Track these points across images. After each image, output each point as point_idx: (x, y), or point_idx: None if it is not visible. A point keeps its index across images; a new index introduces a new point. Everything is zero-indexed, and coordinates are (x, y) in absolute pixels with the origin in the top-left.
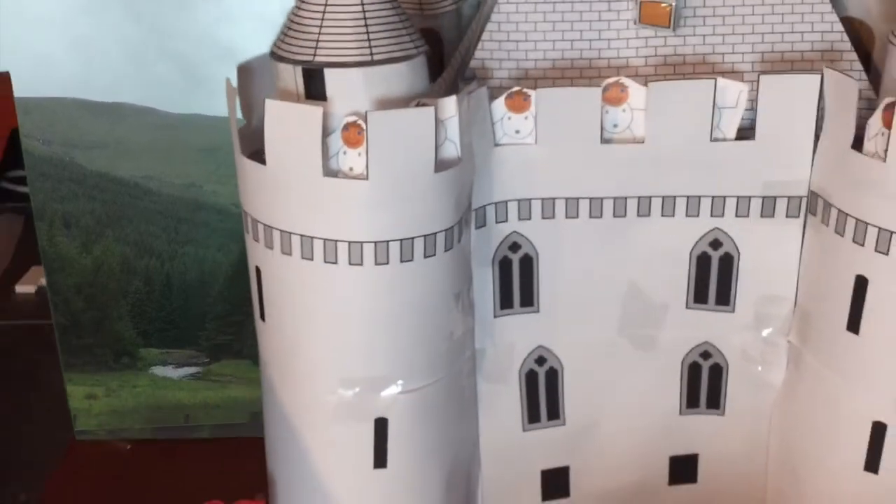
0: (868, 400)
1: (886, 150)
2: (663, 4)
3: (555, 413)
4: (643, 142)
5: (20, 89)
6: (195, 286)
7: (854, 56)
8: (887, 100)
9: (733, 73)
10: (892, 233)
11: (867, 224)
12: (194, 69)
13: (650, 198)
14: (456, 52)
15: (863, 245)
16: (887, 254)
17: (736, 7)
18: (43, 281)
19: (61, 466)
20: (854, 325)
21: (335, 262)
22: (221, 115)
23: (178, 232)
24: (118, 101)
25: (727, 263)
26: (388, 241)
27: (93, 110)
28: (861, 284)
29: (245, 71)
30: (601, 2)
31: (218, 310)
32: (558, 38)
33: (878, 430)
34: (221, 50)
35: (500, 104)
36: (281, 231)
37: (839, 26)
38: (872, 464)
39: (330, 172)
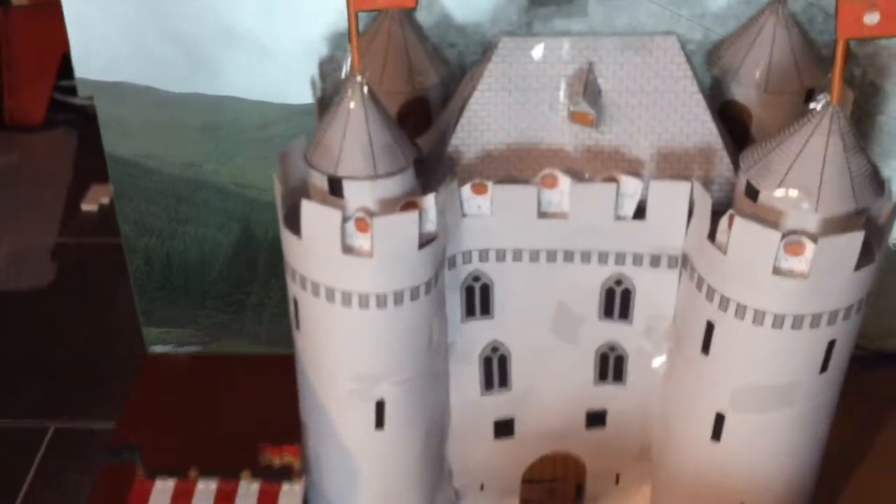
0: (711, 397)
1: (727, 246)
2: (587, 112)
3: (504, 383)
4: (567, 217)
5: None
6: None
7: (724, 152)
8: (730, 211)
9: (636, 162)
10: (728, 299)
11: (714, 290)
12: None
13: (573, 251)
14: (441, 115)
15: (711, 302)
16: (726, 311)
17: (639, 113)
18: (105, 199)
19: (136, 376)
20: (706, 348)
21: (350, 306)
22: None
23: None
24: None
25: (626, 294)
26: (385, 293)
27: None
28: (710, 325)
29: (285, 153)
30: (544, 104)
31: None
32: (512, 129)
33: (720, 417)
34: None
35: (467, 189)
36: (312, 281)
37: (715, 129)
38: (716, 436)
39: (346, 249)
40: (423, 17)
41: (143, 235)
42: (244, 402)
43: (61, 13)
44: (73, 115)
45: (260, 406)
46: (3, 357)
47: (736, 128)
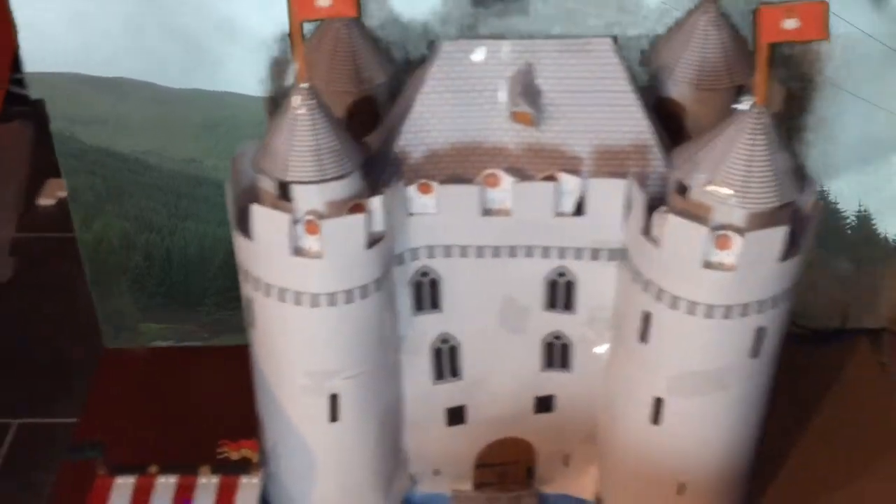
0: (649, 384)
1: (660, 241)
2: (527, 112)
3: (455, 373)
4: (510, 214)
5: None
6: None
7: (657, 149)
8: (662, 207)
9: (575, 159)
10: (663, 290)
11: (650, 282)
12: (194, 44)
13: (516, 246)
14: (388, 114)
15: (647, 293)
16: (661, 302)
17: (577, 113)
18: (62, 193)
19: (96, 371)
20: (643, 337)
21: (301, 305)
22: (221, 91)
23: (179, 207)
24: (118, 75)
25: (569, 286)
26: (335, 292)
27: (93, 85)
28: (647, 315)
29: (236, 158)
30: (486, 105)
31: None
32: (456, 129)
33: (658, 402)
34: (222, 24)
35: (413, 189)
36: (264, 282)
37: (649, 128)
38: (656, 419)
39: (296, 251)
40: (369, 16)
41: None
42: (204, 394)
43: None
44: (28, 108)
45: (219, 398)
46: None
47: (672, 123)
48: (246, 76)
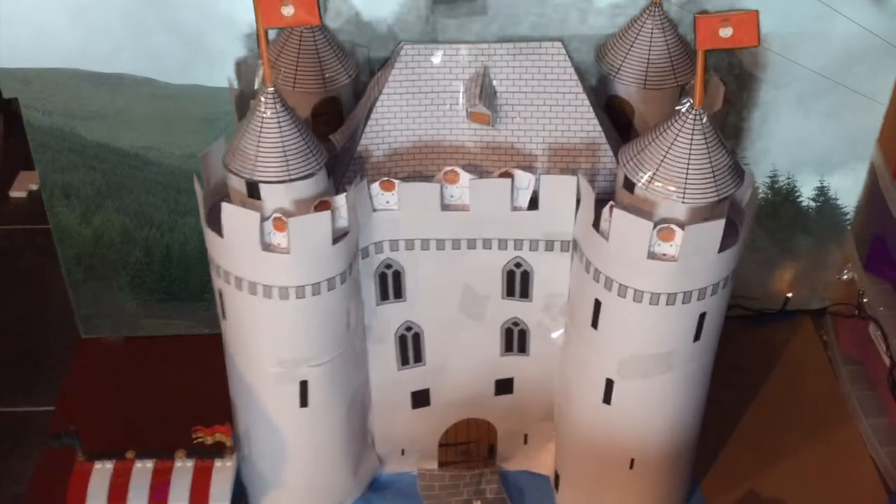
0: (601, 366)
1: (609, 233)
2: (484, 112)
3: (419, 358)
4: (468, 209)
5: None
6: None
7: (606, 147)
8: (610, 203)
9: (530, 157)
10: (612, 279)
11: (600, 272)
12: (194, 39)
13: (475, 239)
14: (352, 113)
15: (598, 282)
16: (610, 290)
17: (531, 112)
18: (33, 186)
19: (72, 360)
20: (594, 323)
21: (271, 298)
22: (221, 86)
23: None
24: (118, 71)
25: (526, 275)
26: (303, 286)
27: (93, 81)
28: (597, 302)
29: (206, 155)
30: (445, 105)
31: None
32: (417, 129)
33: (609, 383)
34: (221, 20)
35: (375, 186)
36: (235, 276)
37: (598, 126)
38: (607, 399)
39: (265, 246)
40: (334, 16)
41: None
42: (177, 383)
43: None
44: None
45: (193, 385)
46: None
47: (621, 120)
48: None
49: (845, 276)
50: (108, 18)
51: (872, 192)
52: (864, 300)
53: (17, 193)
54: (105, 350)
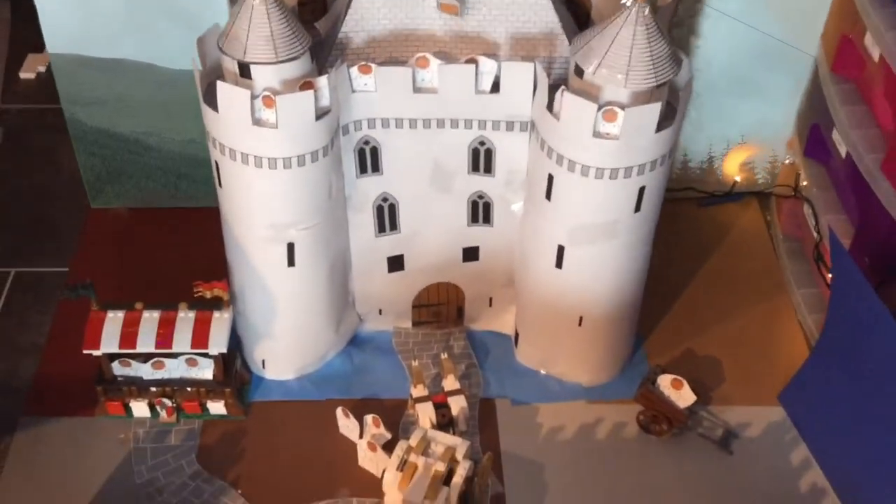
0: (553, 234)
1: (560, 115)
2: (453, 3)
3: (394, 227)
4: (437, 92)
5: None
6: None
7: (563, 38)
8: (562, 87)
9: (494, 45)
10: (563, 156)
11: (552, 149)
12: (194, 25)
13: (443, 119)
14: (334, 3)
15: (551, 159)
16: (561, 166)
17: (496, 4)
18: (41, 67)
19: (82, 227)
20: (548, 195)
21: (261, 167)
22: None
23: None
24: (118, 57)
25: (489, 153)
26: (290, 157)
27: (93, 66)
28: (551, 177)
29: (202, 39)
30: None
31: None
32: (393, 18)
33: (560, 249)
34: (221, 4)
35: (355, 70)
36: (229, 147)
37: (556, 18)
38: (559, 264)
39: (256, 122)
40: None
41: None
42: (179, 247)
43: None
44: None
45: (192, 250)
46: None
47: (581, 13)
48: None
49: (787, 161)
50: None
51: (814, 84)
52: (805, 183)
53: (26, 75)
54: (112, 219)
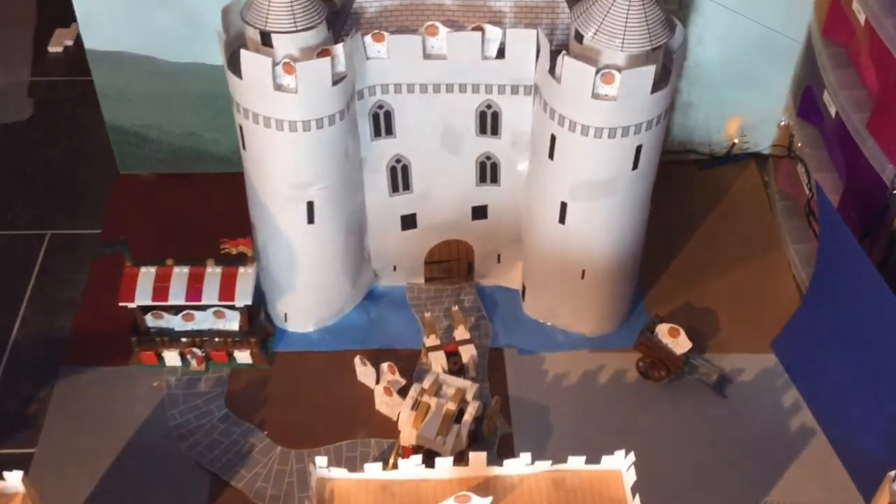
0: (557, 191)
1: (561, 78)
2: None
3: (407, 187)
4: (446, 58)
5: None
6: None
7: (564, 5)
8: (563, 52)
9: (499, 13)
10: (564, 117)
11: (554, 111)
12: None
13: (452, 84)
14: None
15: (553, 120)
16: (563, 126)
17: None
18: (69, 42)
19: (113, 192)
20: (551, 154)
21: (282, 130)
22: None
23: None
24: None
25: (495, 116)
26: (309, 120)
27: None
28: (553, 137)
29: (226, 9)
30: None
31: None
32: None
33: (563, 205)
34: None
35: (369, 38)
36: (252, 112)
37: None
38: (562, 220)
39: (277, 87)
40: None
41: None
42: (204, 208)
43: None
44: None
45: (217, 210)
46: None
47: None
48: None
49: (782, 123)
50: None
51: (807, 48)
52: (799, 144)
53: (54, 49)
54: (141, 184)
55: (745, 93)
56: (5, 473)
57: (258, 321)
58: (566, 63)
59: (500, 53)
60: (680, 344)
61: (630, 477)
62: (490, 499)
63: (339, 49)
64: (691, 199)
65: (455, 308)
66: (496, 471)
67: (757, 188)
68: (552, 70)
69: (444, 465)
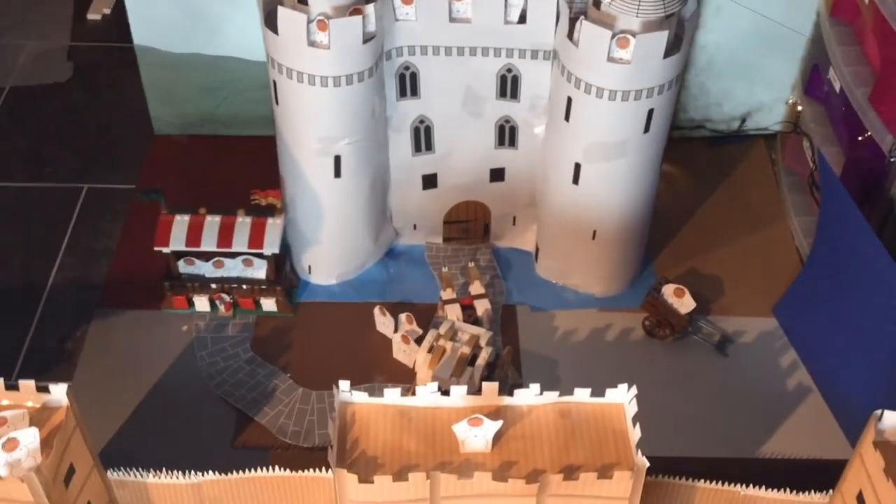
0: (571, 152)
1: (578, 42)
2: None
3: (429, 147)
4: (471, 22)
5: None
6: None
7: None
8: (581, 17)
9: None
10: (581, 80)
11: (571, 73)
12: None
13: (476, 47)
14: None
15: (570, 83)
16: (579, 89)
17: None
18: (107, 10)
19: (148, 149)
20: (567, 117)
21: (314, 85)
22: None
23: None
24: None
25: (515, 79)
26: (339, 76)
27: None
28: (569, 99)
29: None
30: None
31: None
32: None
33: (577, 166)
34: None
35: (398, 0)
36: (286, 67)
37: None
38: (575, 181)
39: (310, 43)
40: None
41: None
42: (235, 165)
43: None
44: None
45: (248, 167)
46: (40, 135)
47: None
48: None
49: (790, 101)
50: None
51: (816, 28)
52: (806, 121)
53: (93, 16)
54: (175, 144)
55: (756, 73)
56: (51, 386)
57: (284, 271)
58: (584, 27)
59: (522, 19)
60: (685, 304)
61: (632, 409)
62: (501, 422)
63: (370, 9)
64: (700, 173)
65: (471, 265)
66: (507, 400)
67: (764, 164)
68: (570, 35)
69: (459, 392)
